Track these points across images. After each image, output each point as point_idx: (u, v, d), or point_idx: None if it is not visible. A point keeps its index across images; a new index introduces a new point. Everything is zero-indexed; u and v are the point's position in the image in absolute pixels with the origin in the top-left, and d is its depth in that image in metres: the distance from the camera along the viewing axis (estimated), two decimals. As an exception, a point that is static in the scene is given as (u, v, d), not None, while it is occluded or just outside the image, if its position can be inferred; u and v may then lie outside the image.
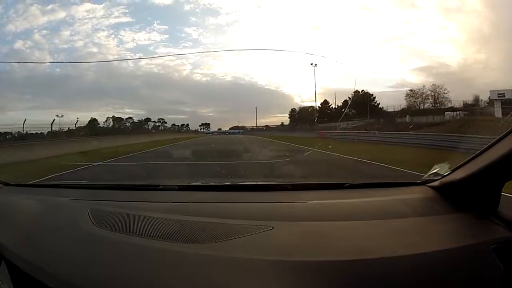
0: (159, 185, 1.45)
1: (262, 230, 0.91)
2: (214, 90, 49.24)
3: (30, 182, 1.86)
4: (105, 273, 0.80)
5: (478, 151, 0.94)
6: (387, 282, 0.72)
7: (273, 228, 0.92)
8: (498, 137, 0.87)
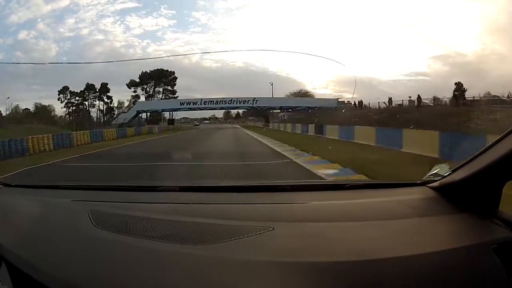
0: (159, 186, 1.46)
1: (262, 231, 0.91)
2: (225, 76, 46.78)
3: (30, 183, 1.85)
4: (105, 274, 0.79)
5: (478, 151, 0.95)
6: (387, 283, 0.72)
7: (273, 229, 0.92)
8: (498, 137, 0.88)
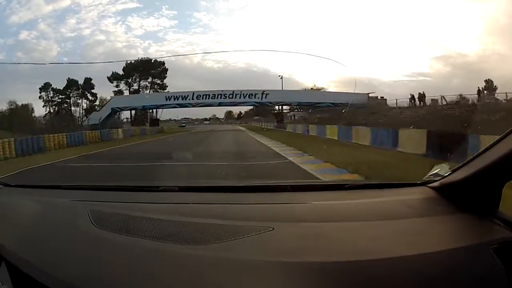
0: (159, 186, 1.45)
1: (262, 231, 0.91)
2: (227, 77, 45.80)
3: (30, 183, 1.85)
4: (105, 274, 0.79)
5: (479, 152, 0.95)
6: (388, 283, 0.72)
7: (273, 229, 0.92)
8: (498, 138, 0.88)
